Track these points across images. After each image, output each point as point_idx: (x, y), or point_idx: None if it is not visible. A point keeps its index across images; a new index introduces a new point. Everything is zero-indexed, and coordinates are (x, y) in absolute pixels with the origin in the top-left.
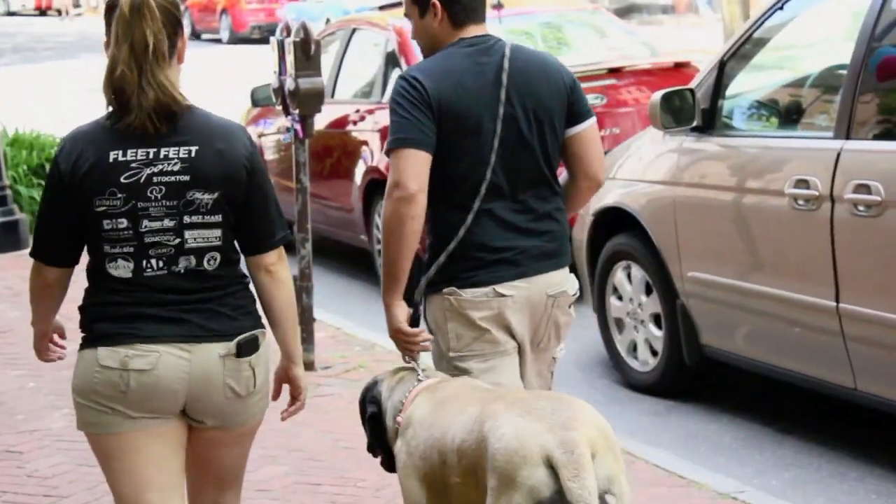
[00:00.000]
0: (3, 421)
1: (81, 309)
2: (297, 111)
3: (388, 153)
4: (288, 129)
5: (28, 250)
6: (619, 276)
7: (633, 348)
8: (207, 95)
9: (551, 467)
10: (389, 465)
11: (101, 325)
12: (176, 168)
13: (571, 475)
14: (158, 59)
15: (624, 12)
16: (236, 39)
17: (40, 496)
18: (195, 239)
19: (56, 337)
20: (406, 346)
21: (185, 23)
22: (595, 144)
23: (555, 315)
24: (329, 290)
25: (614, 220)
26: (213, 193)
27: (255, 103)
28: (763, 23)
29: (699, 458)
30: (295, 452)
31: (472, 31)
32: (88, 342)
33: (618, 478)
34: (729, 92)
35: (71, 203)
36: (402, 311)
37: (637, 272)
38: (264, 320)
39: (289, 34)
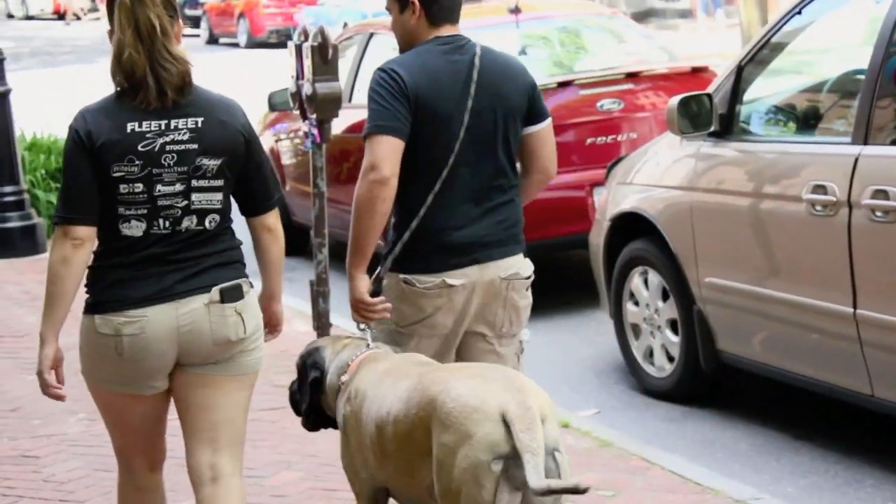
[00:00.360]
0: (19, 425)
1: (90, 268)
2: (314, 116)
3: (365, 138)
4: (306, 134)
5: (46, 254)
6: (635, 281)
7: (650, 354)
8: None
9: (506, 424)
10: (313, 424)
11: (98, 290)
12: (185, 137)
13: (525, 427)
14: (167, 36)
15: (641, 17)
16: (254, 44)
17: (56, 501)
18: (200, 201)
19: (55, 377)
20: (365, 314)
21: (203, 27)
22: (550, 143)
23: (512, 298)
24: (346, 295)
25: (631, 226)
26: (218, 160)
27: (272, 108)
28: (781, 27)
29: (715, 464)
30: (310, 458)
31: (446, 30)
32: (88, 308)
33: (559, 442)
34: (746, 97)
35: (90, 169)
36: (364, 283)
37: (654, 277)
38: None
39: (307, 38)
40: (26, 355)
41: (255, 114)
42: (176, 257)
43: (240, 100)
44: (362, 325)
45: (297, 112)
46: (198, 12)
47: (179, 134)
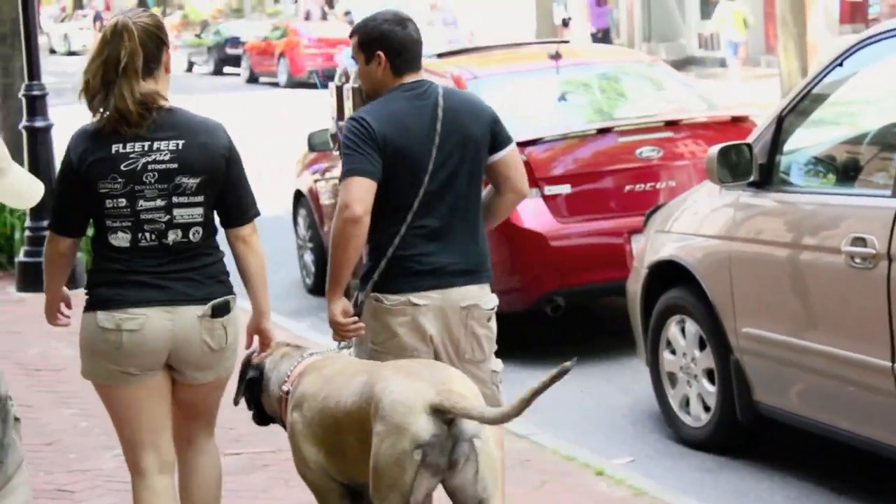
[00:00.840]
0: (55, 460)
1: (88, 273)
2: None
3: (340, 181)
4: None
5: (83, 288)
6: (672, 330)
7: (686, 403)
8: (263, 138)
9: (433, 414)
10: (260, 420)
11: (100, 291)
12: (166, 157)
13: (456, 402)
14: (129, 74)
15: (681, 65)
16: (294, 83)
17: None
18: (182, 216)
19: (63, 306)
20: (342, 333)
21: (244, 66)
22: (517, 165)
23: (471, 326)
24: None
25: (669, 274)
26: (197, 178)
27: (311, 148)
28: (822, 79)
29: None
30: None
31: (409, 77)
32: (90, 306)
33: (483, 429)
34: (787, 147)
35: (79, 186)
36: (339, 306)
37: (691, 326)
38: (238, 289)
39: (348, 80)
40: (63, 389)
41: (295, 153)
42: (170, 268)
43: (279, 138)
44: (342, 343)
45: (336, 153)
46: (239, 51)
47: (161, 154)
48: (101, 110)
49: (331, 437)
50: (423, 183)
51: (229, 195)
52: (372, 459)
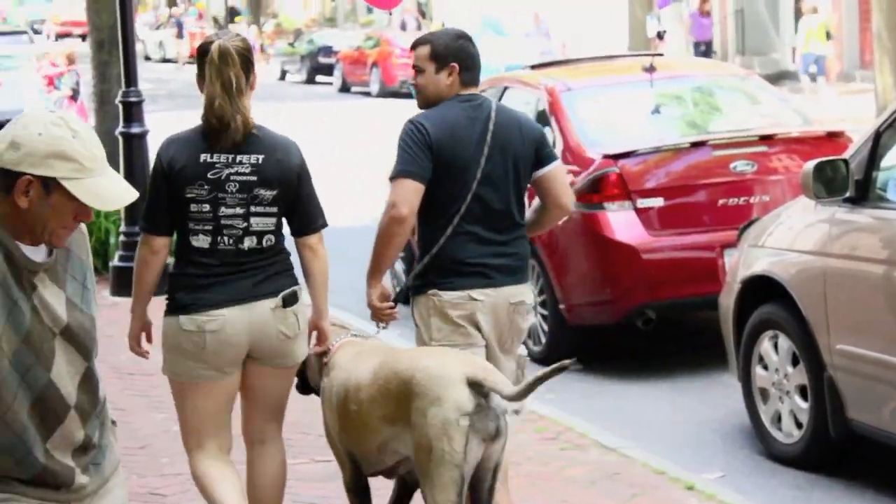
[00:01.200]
0: (147, 463)
1: (170, 276)
2: None
3: (391, 180)
4: None
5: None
6: (765, 345)
7: (778, 419)
8: (355, 147)
9: (471, 387)
10: (303, 389)
11: (180, 296)
12: (247, 171)
13: (489, 375)
14: (240, 92)
15: (774, 79)
16: (386, 93)
17: None
18: (257, 224)
19: (144, 339)
20: (378, 315)
21: (336, 75)
22: (561, 181)
23: (516, 321)
24: None
25: (762, 289)
26: (273, 191)
27: None
28: None
29: None
30: None
31: (469, 89)
32: (172, 310)
33: (510, 406)
34: (884, 163)
35: (169, 190)
36: (377, 291)
37: (784, 342)
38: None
39: None
40: (156, 394)
41: (386, 162)
42: (243, 268)
43: (371, 147)
44: (381, 325)
45: None
46: (331, 60)
47: (242, 167)
48: (214, 124)
49: (341, 406)
50: (471, 189)
51: (299, 207)
52: (416, 436)
